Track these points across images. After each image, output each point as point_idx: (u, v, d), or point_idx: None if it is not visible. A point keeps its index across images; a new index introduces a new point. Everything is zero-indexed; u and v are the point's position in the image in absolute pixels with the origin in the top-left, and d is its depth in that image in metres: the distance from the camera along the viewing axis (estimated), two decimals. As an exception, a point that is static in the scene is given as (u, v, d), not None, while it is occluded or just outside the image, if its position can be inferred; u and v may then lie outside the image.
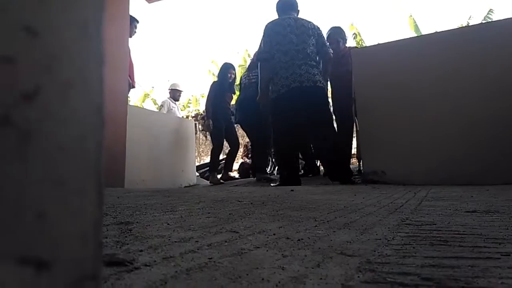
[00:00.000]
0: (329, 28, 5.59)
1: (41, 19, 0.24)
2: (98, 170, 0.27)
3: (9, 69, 0.24)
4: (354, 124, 4.98)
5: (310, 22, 4.49)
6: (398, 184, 3.62)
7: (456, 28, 4.27)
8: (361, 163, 4.88)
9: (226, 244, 0.93)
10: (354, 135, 5.34)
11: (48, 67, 0.25)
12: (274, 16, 4.65)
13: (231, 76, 6.51)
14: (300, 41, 4.35)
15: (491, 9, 12.08)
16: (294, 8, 4.66)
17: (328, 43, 5.21)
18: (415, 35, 11.48)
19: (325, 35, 5.27)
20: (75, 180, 0.25)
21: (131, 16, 5.15)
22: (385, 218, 1.40)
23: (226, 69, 6.50)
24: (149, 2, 7.29)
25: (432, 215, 1.42)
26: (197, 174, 7.74)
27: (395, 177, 3.82)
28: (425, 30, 12.34)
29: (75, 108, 0.26)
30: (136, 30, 5.71)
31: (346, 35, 5.67)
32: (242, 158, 10.61)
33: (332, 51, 4.66)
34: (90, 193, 0.26)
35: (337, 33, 5.45)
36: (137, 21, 5.68)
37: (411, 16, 12.72)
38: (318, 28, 4.55)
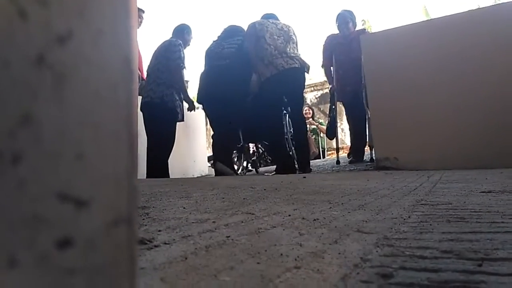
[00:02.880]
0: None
1: None
2: (129, 119, 0.27)
3: (44, 11, 0.24)
4: (366, 111, 4.92)
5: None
6: (411, 170, 3.60)
7: (467, 11, 4.20)
8: (373, 151, 4.85)
9: (242, 224, 0.94)
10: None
11: (80, 13, 0.26)
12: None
13: None
14: None
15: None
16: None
17: (337, 24, 5.23)
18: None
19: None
20: (110, 126, 0.26)
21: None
22: (400, 199, 1.40)
23: None
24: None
25: (447, 196, 1.41)
26: (209, 164, 7.73)
27: (408, 163, 3.80)
28: (436, 16, 12.18)
29: (106, 55, 0.27)
30: (143, 21, 5.66)
31: (358, 20, 5.55)
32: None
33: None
34: (123, 139, 0.27)
35: (347, 14, 5.28)
36: (143, 11, 5.61)
37: (425, 7, 12.56)
38: None
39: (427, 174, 2.79)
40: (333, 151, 10.37)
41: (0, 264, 0.22)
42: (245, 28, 4.66)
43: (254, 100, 4.55)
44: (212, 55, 4.63)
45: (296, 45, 4.56)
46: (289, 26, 4.62)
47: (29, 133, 0.23)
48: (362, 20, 12.79)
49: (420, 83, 3.89)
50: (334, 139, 5.63)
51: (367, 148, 5.35)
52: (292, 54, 4.36)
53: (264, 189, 1.97)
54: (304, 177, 3.08)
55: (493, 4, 11.52)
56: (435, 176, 2.59)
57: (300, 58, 4.45)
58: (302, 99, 4.86)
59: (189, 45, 5.02)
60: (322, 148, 9.57)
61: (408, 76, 3.95)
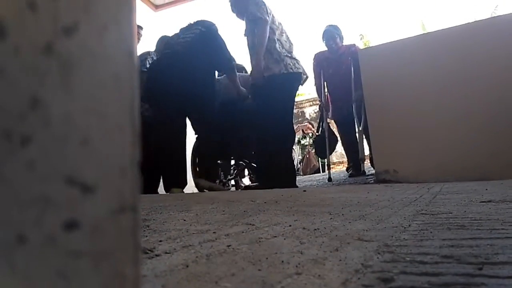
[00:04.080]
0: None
1: None
2: (133, 110, 0.28)
3: (52, 3, 0.26)
4: (356, 124, 4.90)
5: None
6: (411, 182, 3.59)
7: (463, 24, 4.24)
8: (363, 164, 4.86)
9: (243, 234, 0.94)
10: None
11: (86, 8, 0.27)
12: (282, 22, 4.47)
13: None
14: None
15: (497, 5, 12.02)
16: None
17: (324, 41, 5.13)
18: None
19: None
20: (114, 115, 0.27)
21: None
22: (400, 210, 1.40)
23: None
24: (155, 11, 7.37)
25: (447, 206, 1.42)
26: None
27: (407, 176, 3.80)
28: (433, 30, 12.31)
29: (111, 48, 0.28)
30: (141, 37, 5.68)
31: (355, 35, 5.58)
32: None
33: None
34: (127, 129, 0.28)
35: (333, 30, 5.20)
36: (141, 28, 5.62)
37: (418, 16, 12.70)
38: None
39: (427, 186, 2.79)
40: (333, 166, 10.38)
41: (10, 240, 0.22)
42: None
43: (255, 101, 3.90)
44: (161, 47, 4.09)
45: None
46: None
47: (37, 116, 0.24)
48: (360, 35, 12.92)
49: (419, 96, 3.91)
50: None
51: (367, 162, 5.33)
52: (296, 57, 3.96)
53: (265, 202, 1.97)
54: (304, 191, 3.08)
55: (490, 17, 11.67)
56: (435, 188, 2.59)
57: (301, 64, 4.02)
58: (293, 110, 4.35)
59: None
60: (322, 162, 9.57)
61: (406, 89, 3.98)
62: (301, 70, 3.91)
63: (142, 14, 4.06)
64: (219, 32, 3.88)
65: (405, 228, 0.98)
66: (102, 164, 0.26)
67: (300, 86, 4.16)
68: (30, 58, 0.25)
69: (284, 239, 0.88)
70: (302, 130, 10.33)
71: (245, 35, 3.93)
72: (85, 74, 0.26)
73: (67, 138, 0.25)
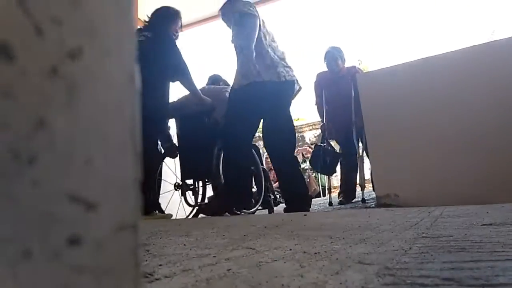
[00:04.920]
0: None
1: None
2: (134, 133, 0.29)
3: (57, 29, 0.27)
4: (357, 148, 4.87)
5: None
6: (412, 206, 3.58)
7: (461, 48, 4.29)
8: (364, 191, 4.79)
9: (243, 258, 0.93)
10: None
11: (90, 34, 0.28)
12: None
13: None
14: None
15: (493, 30, 12.19)
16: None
17: (326, 62, 5.13)
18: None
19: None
20: (116, 136, 0.28)
21: None
22: (401, 233, 1.39)
23: None
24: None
25: (448, 229, 1.41)
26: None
27: (408, 200, 3.78)
28: (430, 54, 12.46)
29: (113, 72, 0.29)
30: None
31: (354, 59, 5.61)
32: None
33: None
34: (128, 150, 0.28)
35: (335, 51, 5.21)
36: None
37: (416, 41, 12.85)
38: None
39: (428, 210, 2.77)
40: (333, 189, 10.35)
41: (16, 255, 0.23)
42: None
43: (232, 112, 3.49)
44: None
45: None
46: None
47: (43, 136, 0.25)
48: (358, 60, 13.07)
49: (418, 120, 3.92)
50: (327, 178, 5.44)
51: (368, 185, 5.30)
52: (289, 64, 3.68)
53: (265, 227, 1.96)
54: (305, 215, 3.07)
55: (488, 41, 11.82)
56: (436, 211, 2.57)
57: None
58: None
59: None
60: (322, 186, 9.54)
61: (405, 114, 3.99)
62: (294, 79, 3.65)
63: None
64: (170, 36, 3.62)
65: (406, 251, 0.97)
66: (104, 183, 0.27)
67: (293, 96, 3.88)
68: (37, 80, 0.26)
69: (285, 262, 0.87)
70: (302, 154, 10.33)
71: (232, 41, 3.60)
72: (89, 96, 0.27)
73: (71, 158, 0.26)
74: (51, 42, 0.27)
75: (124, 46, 0.30)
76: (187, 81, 3.69)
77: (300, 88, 3.84)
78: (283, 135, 3.59)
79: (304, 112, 13.00)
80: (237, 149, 3.50)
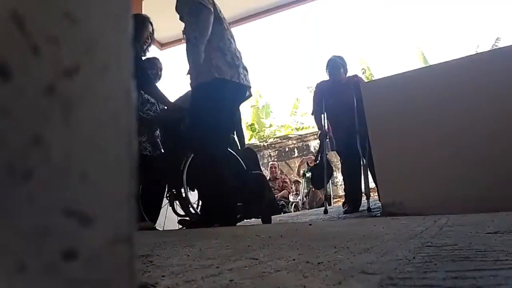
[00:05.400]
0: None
1: (80, 9, 0.28)
2: (130, 146, 0.30)
3: (54, 47, 0.27)
4: (360, 158, 4.80)
5: None
6: (418, 215, 3.56)
7: (466, 56, 4.29)
8: (369, 200, 4.72)
9: (246, 268, 0.93)
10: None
11: (87, 51, 0.29)
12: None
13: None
14: None
15: (498, 38, 12.17)
16: None
17: (328, 70, 5.05)
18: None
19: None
20: (112, 150, 0.29)
21: None
22: (406, 242, 1.39)
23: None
24: (161, 49, 7.52)
25: (453, 238, 1.40)
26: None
27: (414, 208, 3.76)
28: (433, 62, 12.47)
29: (110, 87, 0.30)
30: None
31: (358, 68, 5.57)
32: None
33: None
34: (124, 164, 0.29)
35: (338, 60, 5.14)
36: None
37: (419, 48, 12.89)
38: None
39: (434, 218, 2.76)
40: (339, 199, 10.31)
41: (11, 269, 0.23)
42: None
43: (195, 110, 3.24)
44: None
45: None
46: None
47: (39, 152, 0.26)
48: (362, 69, 13.08)
49: (423, 128, 3.91)
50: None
51: (374, 194, 5.26)
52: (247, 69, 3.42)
53: (269, 237, 1.96)
54: (310, 225, 3.06)
55: (492, 49, 11.80)
56: (441, 220, 2.56)
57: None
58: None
59: None
60: (328, 195, 9.51)
61: (410, 122, 3.98)
62: (250, 85, 3.41)
63: (149, 53, 4.02)
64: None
65: (409, 260, 0.97)
66: (100, 197, 0.28)
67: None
68: (33, 98, 0.27)
69: (287, 273, 0.87)
70: (307, 163, 10.32)
71: (183, 32, 3.32)
72: (85, 112, 0.28)
73: (66, 172, 0.27)
74: (47, 61, 0.27)
75: (121, 61, 0.31)
76: (147, 90, 3.67)
77: (250, 95, 3.59)
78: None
79: (309, 120, 13.02)
80: (208, 154, 3.19)
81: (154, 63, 4.38)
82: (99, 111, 0.29)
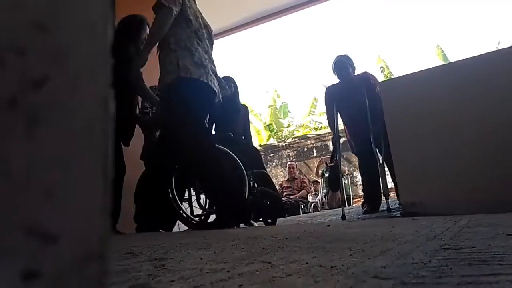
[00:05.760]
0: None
1: (52, 18, 0.28)
2: (105, 158, 0.29)
3: (19, 58, 0.27)
4: (377, 158, 4.72)
5: None
6: (439, 215, 3.50)
7: (486, 53, 4.20)
8: (388, 200, 4.64)
9: (257, 273, 0.92)
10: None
11: (57, 60, 0.28)
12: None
13: None
14: None
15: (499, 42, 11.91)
16: None
17: (336, 72, 4.97)
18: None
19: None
20: (84, 165, 0.28)
21: None
22: (423, 245, 1.36)
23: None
24: (156, 53, 7.55)
25: (472, 240, 1.37)
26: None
27: (435, 208, 3.69)
28: (453, 59, 12.26)
29: (83, 97, 0.29)
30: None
31: (376, 67, 5.51)
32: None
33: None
34: (97, 178, 0.28)
35: (344, 60, 5.04)
36: None
37: (438, 46, 12.69)
38: None
39: (455, 219, 2.71)
40: (359, 199, 10.22)
41: None
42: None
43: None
44: None
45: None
46: (212, 29, 3.57)
47: None
48: (381, 67, 12.94)
49: (443, 126, 3.84)
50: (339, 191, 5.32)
51: (392, 195, 5.20)
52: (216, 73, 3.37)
53: (286, 238, 1.95)
54: (328, 225, 3.04)
55: (511, 44, 11.54)
56: (462, 220, 2.51)
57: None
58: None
59: None
60: (347, 195, 9.44)
61: (430, 120, 3.91)
62: (216, 90, 3.31)
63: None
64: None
65: (425, 264, 0.95)
66: (67, 214, 0.27)
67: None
68: None
69: (299, 277, 0.86)
70: (326, 163, 10.25)
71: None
72: (53, 125, 0.27)
73: (28, 190, 0.26)
74: (12, 73, 0.26)
75: (96, 70, 0.30)
76: (138, 93, 3.68)
77: (219, 101, 3.52)
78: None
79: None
80: (180, 153, 3.15)
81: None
82: (69, 124, 0.28)
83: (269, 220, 4.20)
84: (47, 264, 0.25)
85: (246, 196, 3.68)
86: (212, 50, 3.46)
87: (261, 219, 4.20)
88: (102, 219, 0.28)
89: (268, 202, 4.13)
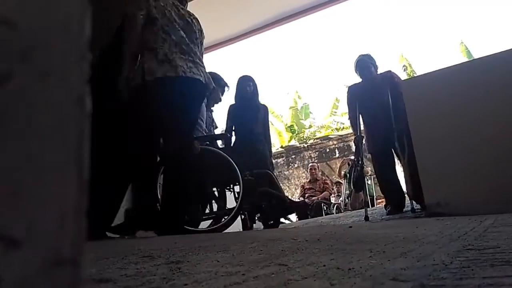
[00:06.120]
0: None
1: (17, 13, 0.27)
2: (79, 159, 0.28)
3: None
4: (400, 158, 4.64)
5: None
6: (464, 215, 3.42)
7: (509, 49, 4.09)
8: (412, 200, 4.54)
9: (273, 276, 0.91)
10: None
11: (22, 57, 0.27)
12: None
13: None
14: None
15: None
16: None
17: (358, 71, 4.91)
18: (469, 61, 11.18)
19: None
20: (54, 166, 0.27)
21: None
22: (446, 245, 1.32)
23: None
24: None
25: (496, 240, 1.33)
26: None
27: (460, 208, 3.61)
28: (477, 56, 12.02)
29: (53, 96, 0.28)
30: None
31: (399, 66, 5.41)
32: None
33: None
34: (71, 180, 0.27)
35: (366, 59, 4.96)
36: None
37: (462, 42, 12.46)
38: None
39: (480, 219, 2.64)
40: (382, 199, 10.08)
41: None
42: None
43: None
44: None
45: (202, 51, 3.38)
46: (194, 17, 3.38)
47: None
48: (404, 66, 12.77)
49: (467, 124, 3.76)
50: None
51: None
52: (198, 60, 3.19)
53: (306, 240, 1.92)
54: (350, 227, 3.00)
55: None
56: (488, 220, 2.45)
57: (206, 72, 3.24)
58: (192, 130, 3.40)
59: None
60: (370, 196, 9.31)
61: (454, 118, 3.83)
62: (200, 78, 3.13)
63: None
64: None
65: (446, 265, 0.92)
66: (34, 217, 0.25)
67: (212, 101, 3.46)
68: None
69: (315, 280, 0.84)
70: (348, 164, 10.15)
71: None
72: (18, 125, 0.26)
73: None
74: None
75: (70, 66, 0.29)
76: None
77: (214, 88, 3.36)
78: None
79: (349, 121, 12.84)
80: (148, 156, 3.08)
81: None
82: (37, 123, 0.26)
83: (271, 222, 4.15)
84: (10, 270, 0.24)
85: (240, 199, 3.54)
86: (196, 36, 3.30)
87: (260, 220, 4.17)
88: (76, 222, 0.27)
89: (269, 203, 4.10)
